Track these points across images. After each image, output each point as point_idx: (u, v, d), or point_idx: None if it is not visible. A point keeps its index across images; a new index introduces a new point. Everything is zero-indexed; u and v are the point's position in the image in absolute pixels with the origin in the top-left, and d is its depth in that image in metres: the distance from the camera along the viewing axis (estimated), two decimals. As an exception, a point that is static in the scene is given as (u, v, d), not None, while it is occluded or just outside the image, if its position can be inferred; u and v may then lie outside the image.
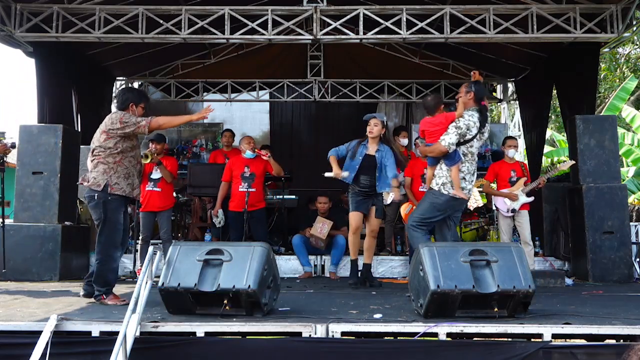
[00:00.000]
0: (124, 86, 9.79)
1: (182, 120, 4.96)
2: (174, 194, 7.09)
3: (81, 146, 7.38)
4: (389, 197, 7.64)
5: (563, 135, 13.44)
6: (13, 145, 5.48)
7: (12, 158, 8.92)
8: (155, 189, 6.53)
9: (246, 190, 6.46)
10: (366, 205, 5.71)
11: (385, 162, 5.61)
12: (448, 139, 4.57)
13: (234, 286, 3.51)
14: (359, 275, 5.79)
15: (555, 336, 3.38)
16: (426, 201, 4.82)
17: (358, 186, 5.69)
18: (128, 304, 4.18)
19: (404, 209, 7.06)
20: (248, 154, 6.63)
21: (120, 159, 4.41)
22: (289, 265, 7.03)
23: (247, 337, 3.51)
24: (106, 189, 4.33)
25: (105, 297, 4.26)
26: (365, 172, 5.65)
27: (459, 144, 4.63)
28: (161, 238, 6.57)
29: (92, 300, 4.39)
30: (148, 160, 6.13)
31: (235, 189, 6.67)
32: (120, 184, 4.40)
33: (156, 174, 6.55)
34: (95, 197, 4.34)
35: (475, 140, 4.69)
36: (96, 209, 4.35)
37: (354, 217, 5.71)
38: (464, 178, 4.68)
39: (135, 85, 10.47)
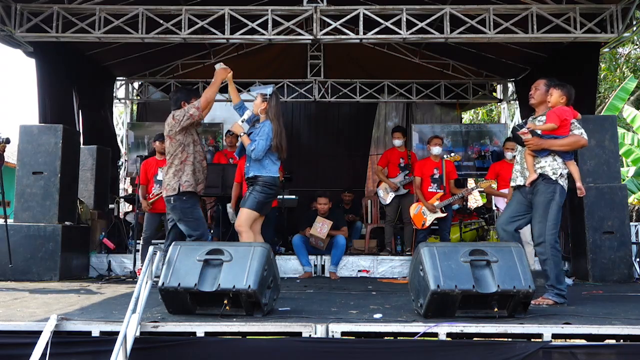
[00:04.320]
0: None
1: (216, 87, 4.77)
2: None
3: (82, 146, 7.41)
4: (389, 197, 7.67)
5: (563, 135, 13.38)
6: (7, 141, 5.38)
7: (12, 158, 8.88)
8: (161, 191, 6.52)
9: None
10: None
11: (254, 138, 4.72)
12: (585, 134, 4.43)
13: (234, 286, 3.50)
14: None
15: (555, 336, 3.37)
16: (550, 206, 4.38)
17: None
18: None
19: (412, 209, 7.06)
20: None
21: (185, 158, 4.68)
22: (289, 265, 7.04)
23: (247, 337, 3.51)
24: (179, 190, 4.61)
25: None
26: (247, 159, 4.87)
27: None
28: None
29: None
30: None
31: (243, 190, 6.69)
32: (190, 181, 4.68)
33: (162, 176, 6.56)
34: (172, 201, 4.67)
35: None
36: (173, 211, 4.71)
37: None
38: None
39: (135, 85, 10.49)
